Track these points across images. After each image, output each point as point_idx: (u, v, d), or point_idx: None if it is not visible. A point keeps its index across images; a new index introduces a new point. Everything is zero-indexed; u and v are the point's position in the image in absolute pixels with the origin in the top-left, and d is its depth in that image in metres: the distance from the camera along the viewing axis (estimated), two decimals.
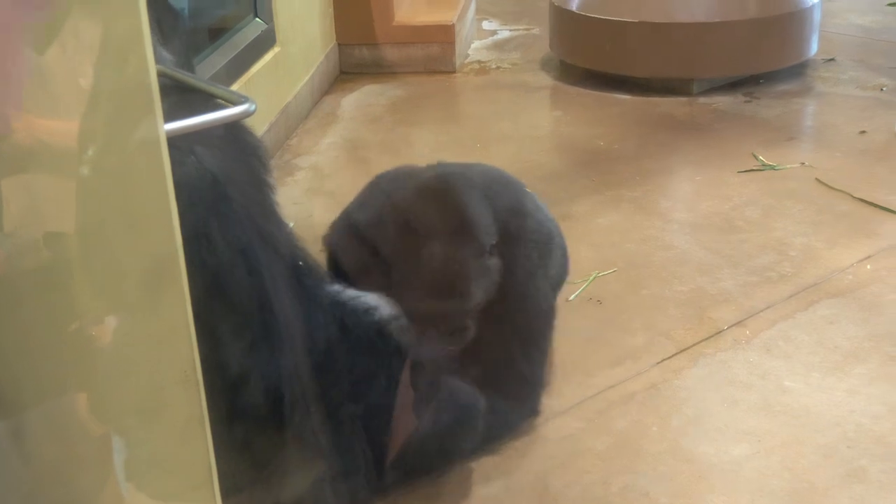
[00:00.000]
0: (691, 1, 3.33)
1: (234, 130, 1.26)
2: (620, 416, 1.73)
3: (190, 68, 1.49)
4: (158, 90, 0.78)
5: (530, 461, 1.63)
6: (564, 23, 3.56)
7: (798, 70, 3.47)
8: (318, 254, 1.61)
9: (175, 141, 0.89)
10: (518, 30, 4.28)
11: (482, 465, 1.62)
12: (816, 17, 3.44)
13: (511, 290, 1.63)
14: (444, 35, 3.66)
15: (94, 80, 0.76)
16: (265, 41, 2.93)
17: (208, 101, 1.08)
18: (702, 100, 3.27)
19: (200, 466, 0.86)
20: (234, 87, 2.60)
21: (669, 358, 1.88)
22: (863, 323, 1.97)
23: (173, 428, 0.85)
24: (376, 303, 1.44)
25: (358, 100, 3.44)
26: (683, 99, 3.28)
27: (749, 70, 3.37)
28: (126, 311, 0.82)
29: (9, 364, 0.79)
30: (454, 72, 3.69)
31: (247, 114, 1.00)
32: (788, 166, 2.72)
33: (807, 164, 2.73)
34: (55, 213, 0.78)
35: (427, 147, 3.00)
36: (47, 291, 0.79)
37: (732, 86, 3.35)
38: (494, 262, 1.60)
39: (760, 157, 2.77)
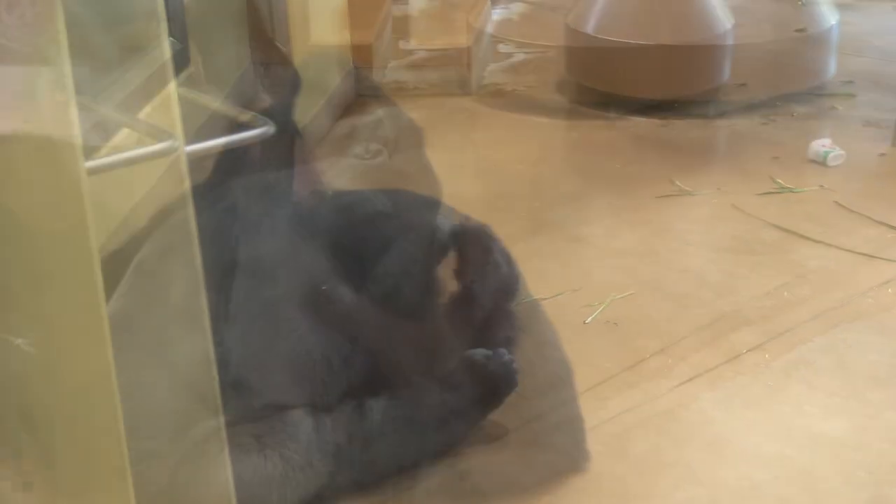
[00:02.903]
0: (709, 24, 3.32)
1: None
2: (637, 440, 1.71)
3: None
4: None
5: (545, 485, 1.62)
6: (580, 45, 3.57)
7: (816, 92, 3.47)
8: None
9: None
10: (534, 52, 4.29)
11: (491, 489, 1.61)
12: (834, 39, 3.43)
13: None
14: (460, 58, 3.67)
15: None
16: None
17: (229, 124, 1.09)
18: (719, 122, 3.26)
19: (219, 489, 0.86)
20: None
21: (687, 381, 1.87)
22: (883, 347, 1.95)
23: (191, 451, 0.84)
24: None
25: None
26: (700, 121, 3.27)
27: (767, 93, 3.36)
28: (145, 339, 0.82)
29: (34, 386, 0.80)
30: (470, 94, 3.70)
31: (265, 135, 1.02)
32: (807, 189, 2.70)
33: (825, 186, 2.71)
34: None
35: (443, 168, 3.00)
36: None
37: (750, 108, 3.34)
38: None
39: (778, 180, 2.75)
